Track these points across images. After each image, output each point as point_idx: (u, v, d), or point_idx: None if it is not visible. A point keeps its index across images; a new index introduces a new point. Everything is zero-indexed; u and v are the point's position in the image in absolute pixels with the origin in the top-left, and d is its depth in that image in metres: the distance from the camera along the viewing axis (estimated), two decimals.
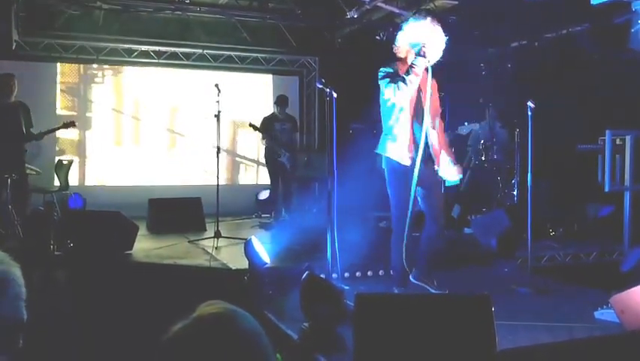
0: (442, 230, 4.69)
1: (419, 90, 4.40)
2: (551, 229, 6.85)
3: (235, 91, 10.12)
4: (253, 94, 10.38)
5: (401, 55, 4.47)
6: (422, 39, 4.33)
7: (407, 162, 4.37)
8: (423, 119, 4.36)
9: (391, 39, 4.61)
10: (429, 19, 4.41)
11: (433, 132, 4.46)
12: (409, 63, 4.33)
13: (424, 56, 4.28)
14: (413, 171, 4.34)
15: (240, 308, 1.24)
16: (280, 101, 8.46)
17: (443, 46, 4.40)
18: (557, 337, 3.58)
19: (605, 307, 3.93)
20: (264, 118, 8.46)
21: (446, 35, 4.42)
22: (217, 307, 1.21)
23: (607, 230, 6.62)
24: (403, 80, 4.24)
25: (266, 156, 8.45)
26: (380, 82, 4.40)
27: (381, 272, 5.24)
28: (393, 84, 4.26)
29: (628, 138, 6.06)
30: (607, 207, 6.82)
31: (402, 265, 4.47)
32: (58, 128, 7.07)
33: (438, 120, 4.56)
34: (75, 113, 9.23)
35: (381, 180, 4.70)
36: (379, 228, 6.45)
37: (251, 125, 8.18)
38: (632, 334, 3.54)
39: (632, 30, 5.84)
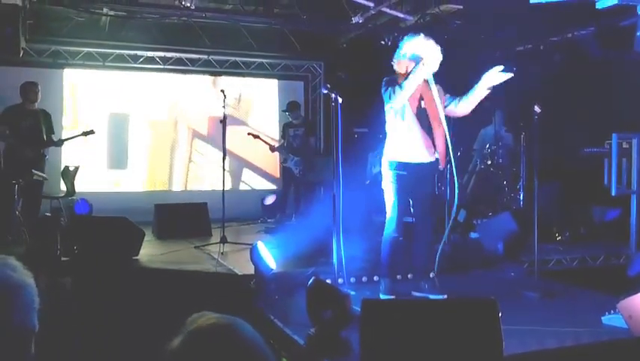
0: (429, 235, 4.81)
1: (421, 98, 4.56)
2: (558, 233, 6.82)
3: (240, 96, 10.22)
4: (259, 99, 10.43)
5: (401, 71, 4.62)
6: (420, 53, 4.52)
7: (424, 159, 4.54)
8: (428, 124, 4.52)
9: (392, 54, 4.74)
10: (422, 35, 4.60)
11: (437, 134, 4.60)
12: (409, 71, 4.50)
13: (422, 65, 4.45)
14: (424, 170, 4.51)
15: (239, 317, 1.22)
16: (290, 107, 8.65)
17: (439, 57, 4.59)
18: (564, 342, 3.57)
19: (612, 312, 3.90)
20: (283, 125, 8.89)
21: (440, 45, 4.61)
22: (212, 317, 1.19)
23: (614, 234, 6.60)
24: (399, 85, 4.42)
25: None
26: (382, 89, 4.58)
27: None
28: (390, 89, 4.46)
29: (634, 142, 6.05)
30: (613, 210, 6.79)
31: (394, 272, 4.72)
32: (78, 136, 7.29)
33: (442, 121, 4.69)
34: (80, 119, 9.25)
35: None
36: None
37: (249, 133, 8.39)
38: (639, 339, 3.52)
39: (638, 33, 5.82)
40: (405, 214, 4.68)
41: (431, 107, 4.60)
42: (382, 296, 4.63)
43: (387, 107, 4.63)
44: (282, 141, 8.63)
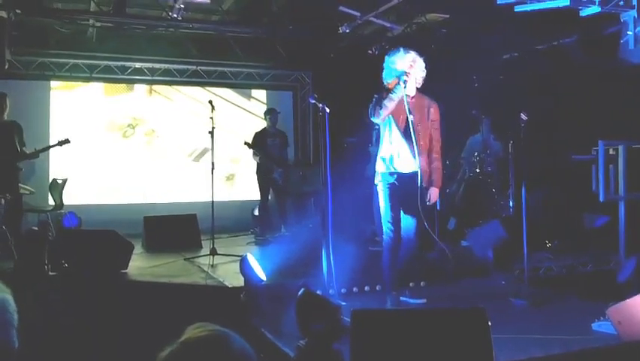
0: (415, 244, 4.81)
1: (409, 112, 4.62)
2: (547, 240, 6.84)
3: (229, 106, 10.23)
4: (247, 109, 10.44)
5: (391, 86, 4.72)
6: (405, 67, 4.65)
7: (408, 169, 4.64)
8: (412, 140, 4.59)
9: (382, 62, 4.84)
10: (402, 49, 4.72)
11: (422, 153, 4.67)
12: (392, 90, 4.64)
13: (404, 84, 4.56)
14: (407, 181, 4.60)
15: (229, 329, 1.22)
16: (272, 113, 8.52)
17: (423, 65, 4.72)
18: (554, 349, 3.57)
19: (602, 318, 3.92)
20: (256, 133, 8.51)
21: (426, 54, 4.75)
22: (205, 329, 1.19)
23: (603, 240, 6.62)
24: (380, 105, 4.58)
25: (257, 172, 8.47)
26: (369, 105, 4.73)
27: (378, 287, 5.22)
28: (371, 107, 4.63)
29: (621, 148, 6.09)
30: (602, 217, 6.82)
31: (393, 273, 4.71)
32: (53, 146, 7.07)
33: (431, 144, 4.79)
34: (68, 131, 9.18)
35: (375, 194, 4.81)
36: (371, 248, 6.40)
37: (246, 143, 8.18)
38: (629, 345, 3.53)
39: (622, 41, 5.88)
40: (399, 221, 4.70)
41: (418, 118, 4.69)
42: None
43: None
44: (256, 150, 8.27)
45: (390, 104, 4.57)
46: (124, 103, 9.84)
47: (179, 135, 10.00)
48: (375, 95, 4.69)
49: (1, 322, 1.33)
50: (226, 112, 10.04)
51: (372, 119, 4.67)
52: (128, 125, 9.81)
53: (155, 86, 10.00)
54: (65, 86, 9.50)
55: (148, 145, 9.90)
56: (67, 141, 7.06)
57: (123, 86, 9.86)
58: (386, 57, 4.78)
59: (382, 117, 4.62)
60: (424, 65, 4.72)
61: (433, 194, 4.77)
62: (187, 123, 9.94)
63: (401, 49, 4.73)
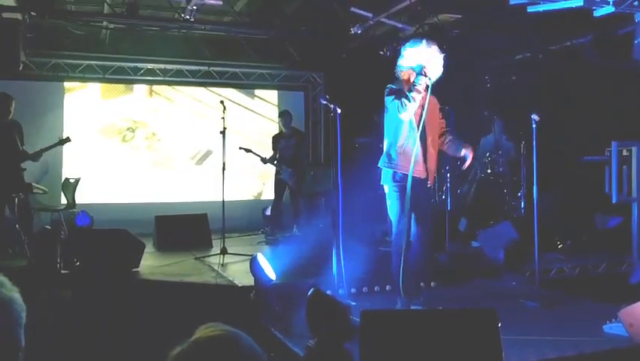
0: (426, 247, 4.70)
1: (422, 108, 4.47)
2: (559, 241, 6.80)
3: (241, 107, 10.28)
4: (259, 109, 10.47)
5: (405, 78, 4.58)
6: (422, 61, 4.46)
7: (421, 175, 4.45)
8: (422, 135, 4.46)
9: (394, 62, 4.69)
10: (424, 41, 4.54)
11: (431, 151, 4.55)
12: (412, 82, 4.44)
13: (425, 75, 4.40)
14: (419, 184, 4.42)
15: (239, 328, 1.23)
16: (283, 115, 8.58)
17: (442, 63, 4.53)
18: (565, 351, 3.55)
19: (613, 320, 3.89)
20: (273, 137, 8.65)
21: (443, 52, 4.55)
22: (216, 329, 1.20)
23: (615, 241, 6.57)
24: (407, 97, 4.34)
25: (275, 173, 8.59)
26: (386, 98, 4.51)
27: (388, 288, 5.21)
28: (397, 101, 4.38)
29: (634, 149, 6.04)
30: (615, 218, 6.77)
31: (404, 276, 4.50)
32: (55, 146, 7.09)
33: (437, 138, 4.69)
34: (81, 132, 9.27)
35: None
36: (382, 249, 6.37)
37: (241, 148, 8.19)
38: None
39: (636, 41, 5.83)
40: (408, 223, 4.60)
41: (431, 117, 4.56)
42: None
43: (389, 114, 4.55)
44: (273, 153, 8.42)
45: (417, 97, 4.34)
46: (124, 105, 9.87)
47: (181, 137, 10.01)
48: (390, 87, 4.48)
49: (8, 322, 1.33)
50: (232, 112, 10.06)
51: (399, 115, 4.38)
52: (128, 129, 9.86)
53: (155, 87, 10.03)
54: (67, 89, 9.56)
55: (148, 149, 9.94)
56: (67, 140, 7.11)
57: (122, 87, 9.87)
58: (407, 44, 4.57)
59: (409, 113, 4.36)
60: (442, 62, 4.51)
61: (470, 153, 4.66)
62: (189, 125, 9.99)
63: (424, 40, 4.53)
